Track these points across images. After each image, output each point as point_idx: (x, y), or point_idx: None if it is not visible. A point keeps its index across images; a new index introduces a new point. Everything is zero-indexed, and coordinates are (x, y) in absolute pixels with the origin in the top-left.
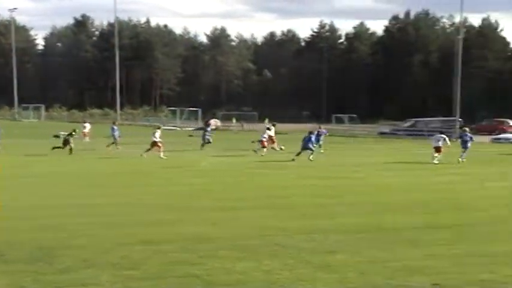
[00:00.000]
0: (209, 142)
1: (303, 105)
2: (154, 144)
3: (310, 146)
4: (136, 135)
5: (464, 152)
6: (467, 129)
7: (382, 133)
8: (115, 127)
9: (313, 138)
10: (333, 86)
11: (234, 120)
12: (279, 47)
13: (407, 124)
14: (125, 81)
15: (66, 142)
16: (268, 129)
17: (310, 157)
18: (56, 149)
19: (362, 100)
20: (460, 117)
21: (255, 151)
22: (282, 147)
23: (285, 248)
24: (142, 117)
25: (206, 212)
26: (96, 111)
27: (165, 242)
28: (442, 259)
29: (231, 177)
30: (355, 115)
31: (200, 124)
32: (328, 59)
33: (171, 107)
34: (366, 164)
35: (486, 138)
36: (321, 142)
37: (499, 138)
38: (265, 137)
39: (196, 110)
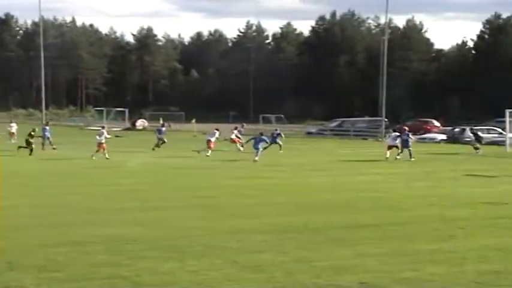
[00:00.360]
0: (164, 142)
1: (230, 105)
2: (100, 145)
3: (259, 146)
4: (62, 136)
5: (403, 151)
6: (406, 128)
7: (309, 133)
8: (47, 128)
9: (266, 139)
10: (260, 86)
11: (161, 121)
12: (206, 47)
13: (334, 124)
14: (50, 81)
15: (28, 143)
16: (236, 128)
17: (256, 158)
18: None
19: (289, 100)
20: (386, 118)
21: (198, 152)
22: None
23: (212, 248)
24: (68, 118)
25: (133, 213)
26: (20, 111)
27: (91, 243)
28: (369, 258)
29: (159, 178)
30: (282, 115)
31: (127, 124)
32: (255, 59)
33: (97, 107)
34: (292, 164)
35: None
36: (280, 143)
37: (424, 138)
38: (212, 139)
39: (123, 110)
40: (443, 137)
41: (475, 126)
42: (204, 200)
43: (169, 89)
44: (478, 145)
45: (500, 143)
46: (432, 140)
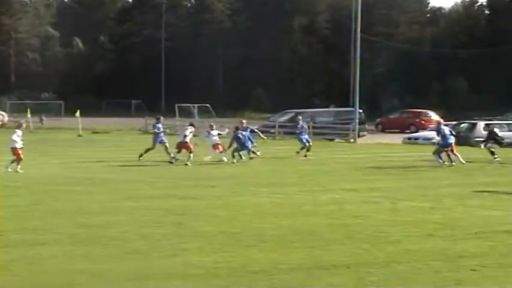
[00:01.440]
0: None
1: (131, 90)
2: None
3: (248, 144)
4: None
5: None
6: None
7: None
8: None
9: (246, 134)
10: (176, 64)
11: (29, 113)
12: (96, 5)
13: (285, 118)
14: None
15: None
16: (212, 127)
17: (251, 155)
18: None
19: (220, 84)
20: (361, 108)
21: (172, 159)
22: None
23: None
24: None
25: None
26: None
27: None
28: None
29: (26, 198)
30: (208, 105)
31: None
32: (168, 22)
33: None
34: (227, 177)
35: (396, 138)
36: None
37: (416, 138)
38: (187, 140)
39: None
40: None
41: (490, 120)
42: (91, 230)
43: (41, 67)
44: (495, 148)
45: None
46: (428, 140)
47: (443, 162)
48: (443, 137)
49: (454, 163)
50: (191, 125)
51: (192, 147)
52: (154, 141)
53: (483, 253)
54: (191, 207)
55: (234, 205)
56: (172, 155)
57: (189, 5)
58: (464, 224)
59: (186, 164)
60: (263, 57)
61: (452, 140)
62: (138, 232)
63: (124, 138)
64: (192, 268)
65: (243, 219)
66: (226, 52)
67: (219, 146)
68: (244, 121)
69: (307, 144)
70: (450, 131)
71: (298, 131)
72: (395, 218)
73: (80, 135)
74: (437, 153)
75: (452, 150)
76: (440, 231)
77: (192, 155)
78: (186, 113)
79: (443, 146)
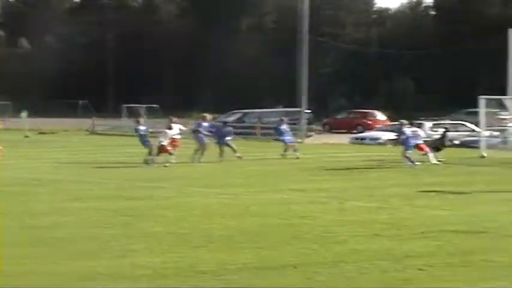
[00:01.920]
0: None
1: (79, 90)
2: None
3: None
4: None
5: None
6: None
7: (195, 131)
8: None
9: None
10: (124, 64)
11: None
12: (42, 4)
13: (233, 118)
14: None
15: None
16: (170, 128)
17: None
18: None
19: (168, 84)
20: (309, 108)
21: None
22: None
23: None
24: None
25: None
26: None
27: None
28: None
29: None
30: (157, 106)
31: None
32: (115, 22)
33: None
34: (176, 178)
35: (343, 138)
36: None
37: (363, 138)
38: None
39: None
40: (391, 136)
41: (437, 120)
42: (41, 232)
43: None
44: (440, 145)
45: (473, 145)
46: (375, 140)
47: (414, 163)
48: (406, 138)
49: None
50: (172, 121)
51: (169, 149)
52: (145, 144)
53: (430, 253)
54: (140, 208)
55: (183, 206)
56: (150, 157)
57: (136, 5)
58: (411, 223)
59: (165, 166)
60: (211, 57)
61: (417, 140)
62: (87, 233)
63: (71, 138)
64: (140, 269)
65: (191, 220)
66: (174, 53)
67: (175, 144)
68: (207, 115)
69: (289, 144)
70: (414, 132)
71: (278, 133)
72: (342, 218)
73: (26, 136)
74: (403, 155)
75: (421, 149)
76: (387, 231)
77: (173, 156)
78: (134, 114)
79: (407, 148)
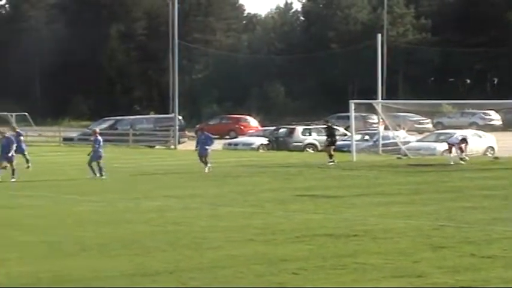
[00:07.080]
0: None
1: None
2: None
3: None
4: None
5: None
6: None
7: (67, 140)
8: None
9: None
10: None
11: None
12: None
13: (104, 125)
14: None
15: None
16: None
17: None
18: None
19: (38, 91)
20: (181, 114)
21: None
22: None
23: None
24: None
25: None
26: None
27: None
28: None
29: None
30: (26, 113)
31: None
32: None
33: None
34: (48, 186)
35: (216, 143)
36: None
37: (236, 144)
38: None
39: None
40: (264, 141)
41: (309, 125)
42: None
43: None
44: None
45: (344, 149)
46: (248, 145)
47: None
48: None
49: None
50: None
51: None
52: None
53: (304, 256)
54: (9, 217)
55: (54, 214)
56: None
57: (3, 12)
58: (285, 228)
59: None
60: (81, 64)
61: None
62: None
63: None
64: (13, 278)
65: (63, 228)
66: (43, 60)
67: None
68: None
69: None
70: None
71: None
72: (217, 223)
73: None
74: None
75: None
76: (262, 235)
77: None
78: (2, 122)
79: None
